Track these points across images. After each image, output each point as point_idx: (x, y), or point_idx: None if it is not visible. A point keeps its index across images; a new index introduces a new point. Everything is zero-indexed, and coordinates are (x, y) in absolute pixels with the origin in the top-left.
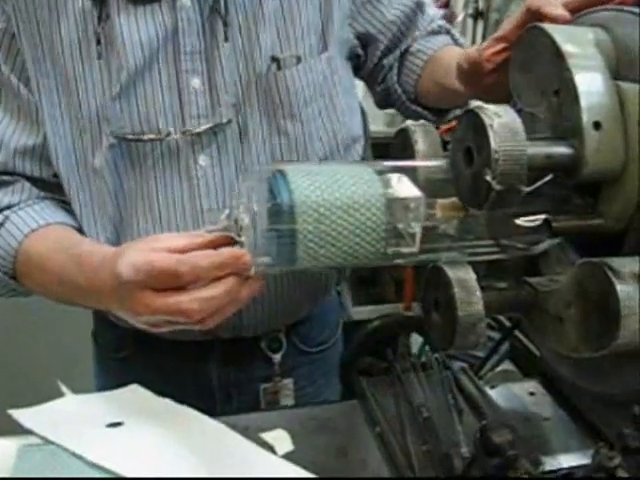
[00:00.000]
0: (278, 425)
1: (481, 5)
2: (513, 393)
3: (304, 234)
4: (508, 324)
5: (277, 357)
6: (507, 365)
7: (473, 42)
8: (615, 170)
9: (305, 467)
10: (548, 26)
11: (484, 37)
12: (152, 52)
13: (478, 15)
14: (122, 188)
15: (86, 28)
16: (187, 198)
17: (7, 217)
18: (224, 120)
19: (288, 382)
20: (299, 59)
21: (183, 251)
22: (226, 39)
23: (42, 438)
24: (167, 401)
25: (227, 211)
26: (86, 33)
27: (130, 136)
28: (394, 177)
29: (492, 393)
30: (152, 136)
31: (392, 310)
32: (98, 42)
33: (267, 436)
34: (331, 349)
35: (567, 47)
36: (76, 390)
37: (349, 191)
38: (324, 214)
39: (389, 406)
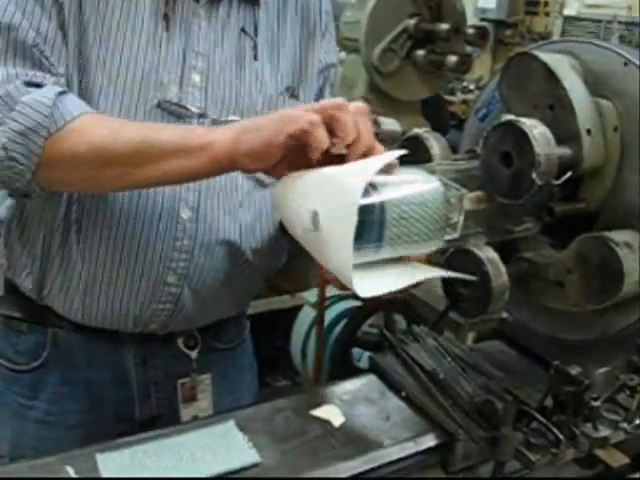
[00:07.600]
0: (318, 403)
1: None
2: (488, 352)
3: (390, 228)
4: None
5: (194, 353)
6: None
7: None
8: (599, 166)
9: (362, 435)
10: (537, 52)
11: None
12: None
13: None
14: None
15: None
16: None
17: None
18: None
19: (205, 377)
20: None
21: None
22: None
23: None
24: None
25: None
26: None
27: None
28: (438, 177)
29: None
30: None
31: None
32: None
33: (319, 412)
34: (242, 346)
35: (558, 70)
36: None
37: (419, 189)
38: (405, 210)
39: (404, 374)
